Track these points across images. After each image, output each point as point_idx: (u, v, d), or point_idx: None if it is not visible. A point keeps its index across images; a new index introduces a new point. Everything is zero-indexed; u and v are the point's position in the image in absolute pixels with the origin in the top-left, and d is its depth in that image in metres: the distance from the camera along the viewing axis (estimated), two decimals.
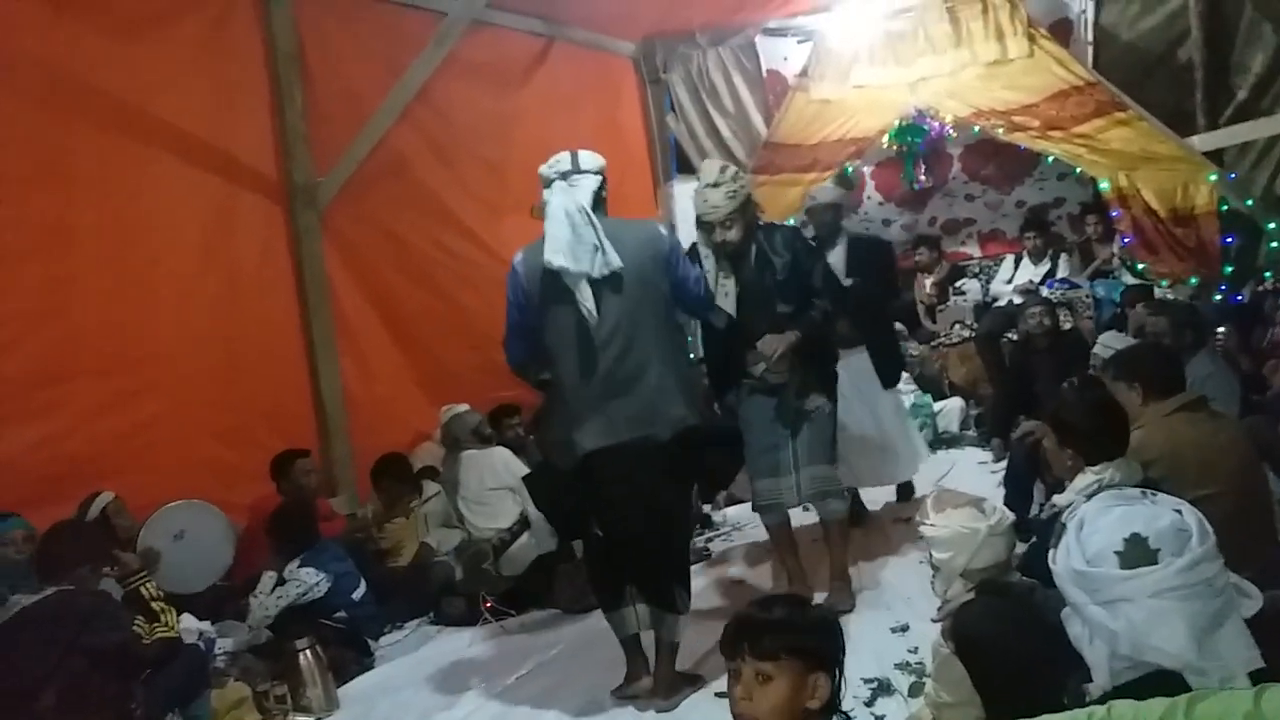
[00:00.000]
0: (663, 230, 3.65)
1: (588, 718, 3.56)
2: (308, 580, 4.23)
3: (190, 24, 4.83)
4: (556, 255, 3.24)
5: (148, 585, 3.47)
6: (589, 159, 3.45)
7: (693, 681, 3.51)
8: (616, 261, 3.30)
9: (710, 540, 5.39)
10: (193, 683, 3.49)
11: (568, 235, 3.26)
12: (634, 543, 3.45)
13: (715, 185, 3.85)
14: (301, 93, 5.19)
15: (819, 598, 3.98)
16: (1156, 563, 1.77)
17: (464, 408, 5.40)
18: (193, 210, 4.85)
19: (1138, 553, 1.82)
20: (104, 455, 4.37)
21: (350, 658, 4.34)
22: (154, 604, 3.43)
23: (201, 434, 4.79)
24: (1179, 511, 1.87)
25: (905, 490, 5.49)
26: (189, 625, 3.92)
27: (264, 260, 5.16)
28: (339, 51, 5.48)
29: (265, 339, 5.11)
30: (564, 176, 3.38)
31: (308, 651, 3.92)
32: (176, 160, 4.75)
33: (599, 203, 3.42)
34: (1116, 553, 1.82)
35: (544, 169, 3.43)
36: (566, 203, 3.32)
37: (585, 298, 3.28)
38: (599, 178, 3.44)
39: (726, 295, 3.97)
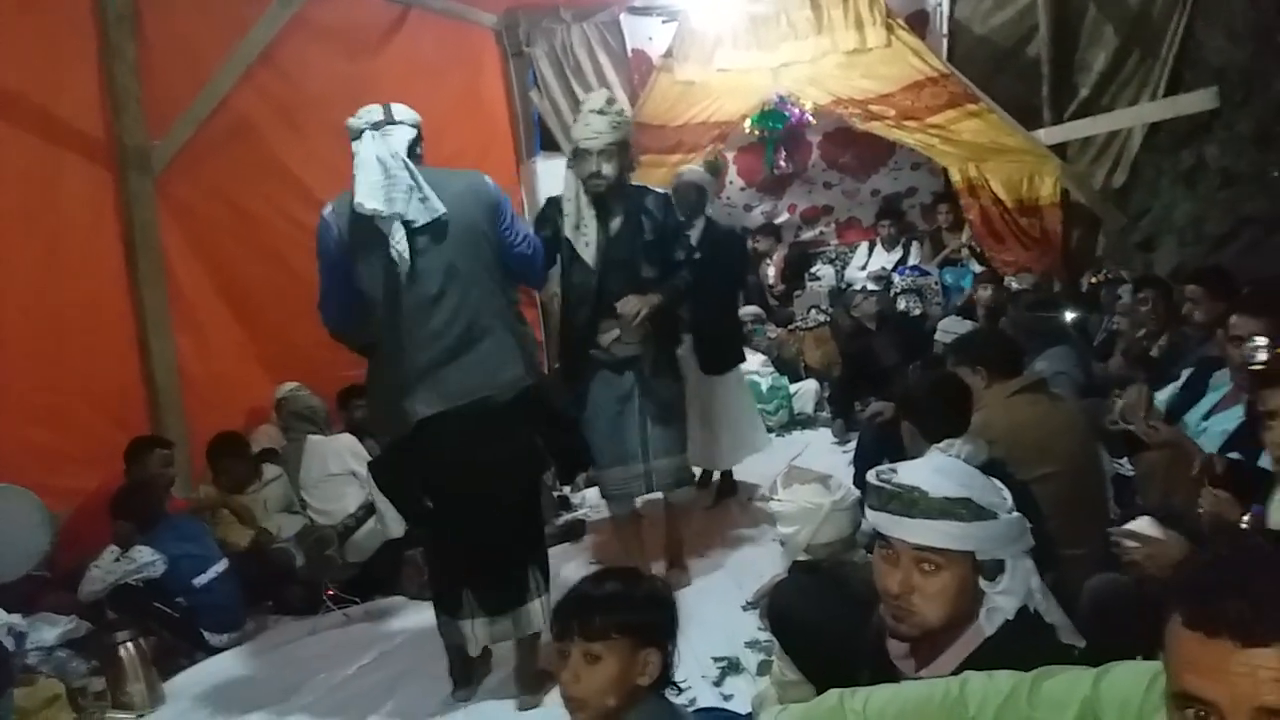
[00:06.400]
0: (489, 180, 3.33)
1: (429, 707, 3.44)
2: (139, 559, 3.99)
3: None
4: (368, 198, 2.99)
5: None
6: (404, 111, 3.21)
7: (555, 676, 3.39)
8: (439, 206, 3.07)
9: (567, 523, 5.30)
10: None
11: (380, 178, 3.03)
12: (477, 519, 3.22)
13: (601, 112, 3.74)
14: (134, 47, 4.80)
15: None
16: None
17: (293, 385, 5.18)
18: (8, 172, 4.45)
19: None
20: None
21: (182, 649, 4.11)
22: None
23: (18, 414, 4.42)
24: None
25: (728, 486, 5.37)
26: None
27: (91, 228, 4.78)
28: (176, 3, 5.10)
29: (91, 313, 4.75)
30: (375, 127, 3.13)
31: (129, 644, 3.69)
32: None
33: (415, 157, 3.18)
34: None
35: (352, 120, 3.16)
36: (379, 149, 3.08)
37: (398, 241, 3.01)
38: (414, 130, 3.20)
39: (588, 244, 3.81)
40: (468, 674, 3.48)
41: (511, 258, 3.32)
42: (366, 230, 3.07)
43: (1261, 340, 3.49)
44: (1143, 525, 2.33)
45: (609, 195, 3.81)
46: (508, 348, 3.24)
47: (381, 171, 3.04)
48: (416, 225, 3.06)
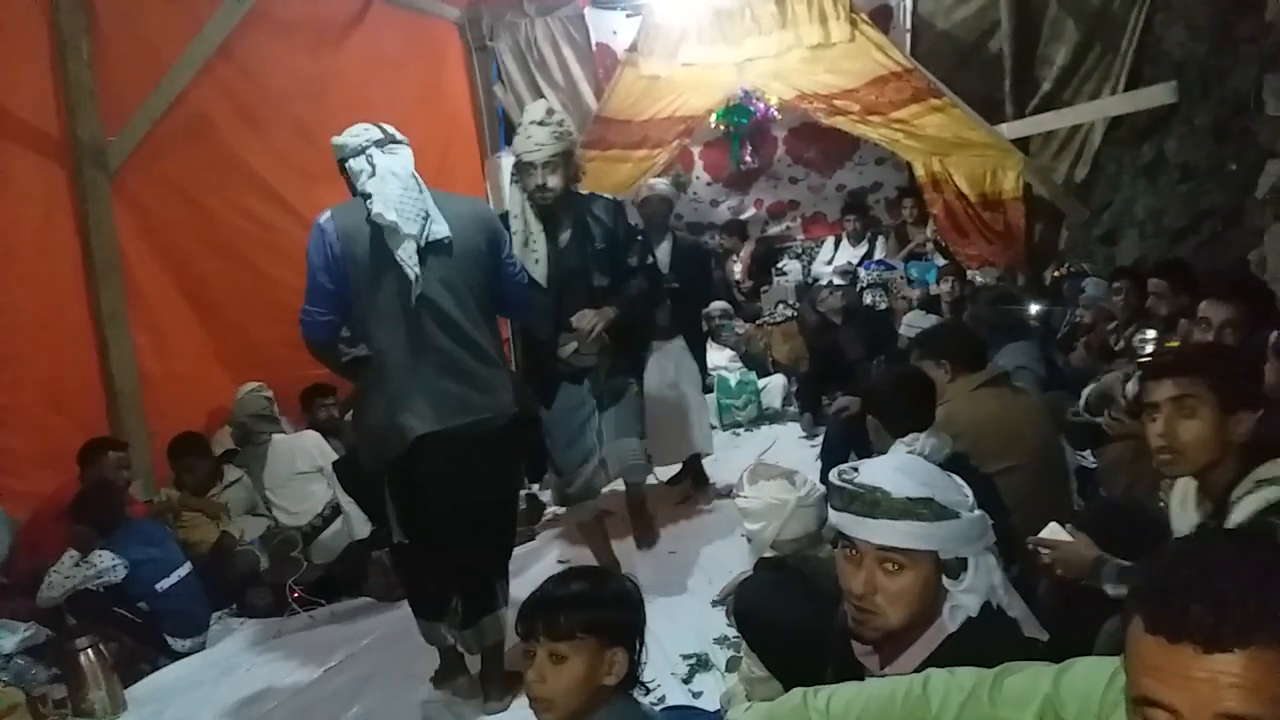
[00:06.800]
0: (491, 208, 3.37)
1: (397, 708, 3.41)
2: (99, 564, 3.92)
3: None
4: (388, 210, 2.97)
5: None
6: (396, 132, 3.19)
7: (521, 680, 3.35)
8: (444, 230, 3.08)
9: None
10: None
11: (398, 193, 3.02)
12: (457, 535, 3.20)
13: (541, 124, 3.67)
14: (88, 41, 4.70)
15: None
16: None
17: (253, 386, 5.11)
18: None
19: None
20: None
21: (144, 654, 4.05)
22: None
23: None
24: None
25: (697, 481, 5.37)
26: None
27: (44, 226, 4.66)
28: None
29: (47, 312, 4.64)
30: (379, 145, 3.11)
31: (90, 651, 3.62)
32: None
33: None
34: None
35: (347, 139, 3.12)
36: (394, 165, 3.08)
37: (409, 259, 3.00)
38: (410, 150, 3.19)
39: (538, 261, 3.75)
40: (463, 664, 3.46)
41: (509, 286, 3.34)
42: (374, 243, 3.03)
43: (1151, 333, 3.54)
44: (1051, 531, 2.37)
45: (556, 207, 3.75)
46: (499, 372, 3.27)
47: (399, 186, 3.04)
48: (423, 243, 3.05)
